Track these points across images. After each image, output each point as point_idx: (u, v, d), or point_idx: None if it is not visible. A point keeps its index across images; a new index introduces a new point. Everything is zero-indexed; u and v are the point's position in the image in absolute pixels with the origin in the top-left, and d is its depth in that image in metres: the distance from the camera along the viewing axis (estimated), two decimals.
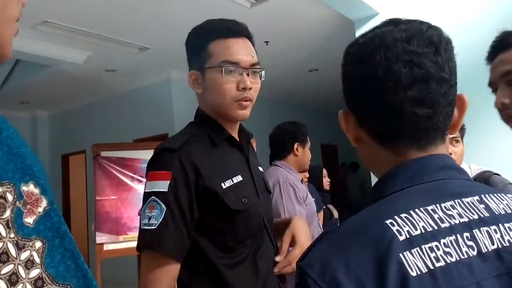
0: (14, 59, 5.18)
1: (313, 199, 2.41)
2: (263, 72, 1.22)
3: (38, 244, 0.44)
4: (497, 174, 1.85)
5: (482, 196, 0.57)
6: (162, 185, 1.05)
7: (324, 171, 3.65)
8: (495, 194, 0.58)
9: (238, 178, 1.13)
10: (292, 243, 1.20)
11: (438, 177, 0.59)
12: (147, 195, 1.07)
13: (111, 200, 4.38)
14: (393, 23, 0.63)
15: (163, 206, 1.03)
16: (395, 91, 0.59)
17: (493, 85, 1.11)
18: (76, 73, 5.42)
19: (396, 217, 0.52)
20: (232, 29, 1.17)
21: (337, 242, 0.54)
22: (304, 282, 0.51)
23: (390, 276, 0.47)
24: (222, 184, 1.09)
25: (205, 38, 1.17)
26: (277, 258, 1.17)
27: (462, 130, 1.93)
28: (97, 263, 4.29)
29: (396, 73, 0.59)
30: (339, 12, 3.88)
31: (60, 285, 0.44)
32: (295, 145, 2.34)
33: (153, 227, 1.02)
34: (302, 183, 2.38)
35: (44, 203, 0.45)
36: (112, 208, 4.36)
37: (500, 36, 1.09)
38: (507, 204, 0.57)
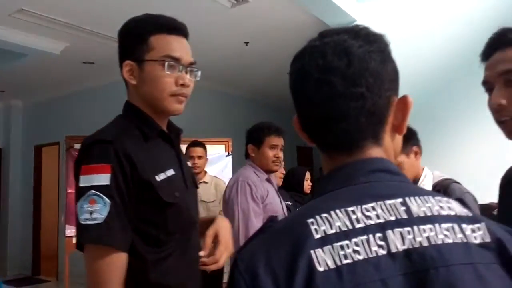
0: None
1: (279, 199, 2.48)
2: (199, 73, 1.24)
3: None
4: (456, 182, 1.94)
5: (406, 198, 0.59)
6: (103, 179, 1.02)
7: (307, 175, 3.75)
8: (421, 197, 0.59)
9: (171, 172, 1.14)
10: (215, 240, 1.22)
11: (368, 180, 0.61)
12: (84, 189, 1.03)
13: None
14: (321, 36, 0.66)
15: (107, 199, 1.02)
16: (309, 108, 0.64)
17: (488, 84, 1.01)
18: (53, 63, 5.34)
19: (317, 216, 0.56)
20: (176, 26, 1.19)
21: (267, 238, 0.59)
22: (233, 273, 0.57)
23: (299, 270, 0.52)
24: (156, 177, 1.09)
25: (146, 30, 1.16)
26: (202, 253, 1.18)
27: (412, 139, 1.97)
28: (65, 256, 4.26)
29: (307, 91, 0.63)
30: (318, 17, 3.96)
31: None
32: (248, 147, 2.46)
33: (98, 221, 1.00)
34: (270, 182, 2.46)
35: None
36: None
37: (498, 33, 1.01)
38: (429, 207, 0.58)
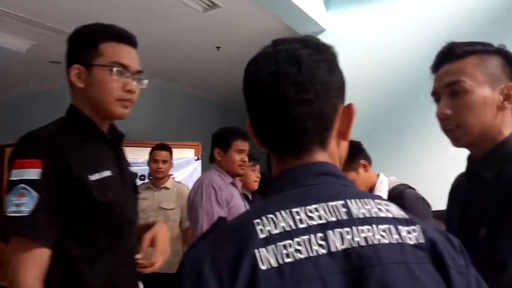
0: None
1: (244, 202, 2.50)
2: (145, 81, 1.28)
3: None
4: (411, 188, 2.01)
5: (348, 200, 0.61)
6: (33, 173, 1.05)
7: None
8: (361, 200, 0.62)
9: (107, 173, 1.17)
10: (151, 244, 1.25)
11: (313, 183, 0.64)
12: (14, 183, 1.06)
13: None
14: (275, 43, 0.70)
15: (35, 193, 1.04)
16: (261, 111, 0.67)
17: (436, 94, 1.08)
18: (18, 61, 5.19)
19: (263, 217, 0.58)
20: (126, 36, 1.23)
21: (214, 238, 0.60)
22: (180, 272, 0.58)
23: (243, 269, 0.53)
24: (90, 176, 1.12)
25: (97, 37, 1.20)
26: (138, 256, 1.22)
27: (358, 155, 2.02)
28: None
29: (259, 96, 0.66)
30: (289, 25, 4.01)
31: None
32: (214, 151, 2.48)
33: (24, 214, 1.02)
34: (235, 185, 2.47)
35: None
36: None
37: (447, 46, 1.07)
38: (368, 209, 0.61)
